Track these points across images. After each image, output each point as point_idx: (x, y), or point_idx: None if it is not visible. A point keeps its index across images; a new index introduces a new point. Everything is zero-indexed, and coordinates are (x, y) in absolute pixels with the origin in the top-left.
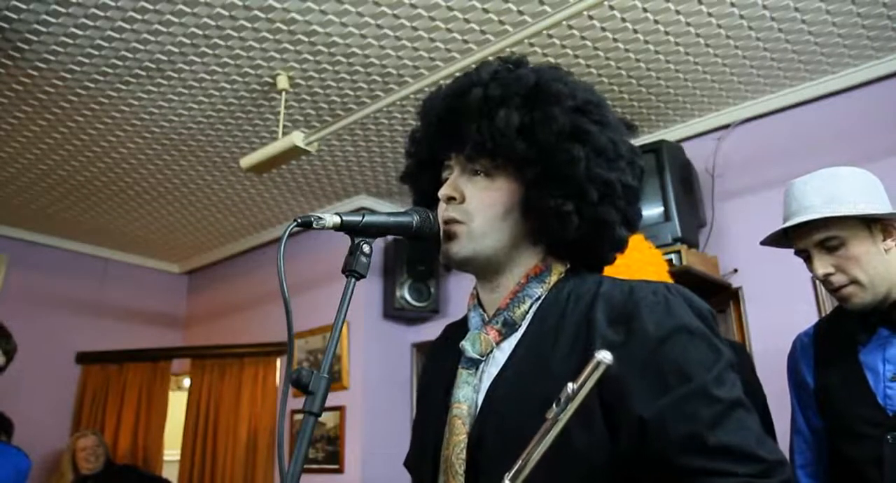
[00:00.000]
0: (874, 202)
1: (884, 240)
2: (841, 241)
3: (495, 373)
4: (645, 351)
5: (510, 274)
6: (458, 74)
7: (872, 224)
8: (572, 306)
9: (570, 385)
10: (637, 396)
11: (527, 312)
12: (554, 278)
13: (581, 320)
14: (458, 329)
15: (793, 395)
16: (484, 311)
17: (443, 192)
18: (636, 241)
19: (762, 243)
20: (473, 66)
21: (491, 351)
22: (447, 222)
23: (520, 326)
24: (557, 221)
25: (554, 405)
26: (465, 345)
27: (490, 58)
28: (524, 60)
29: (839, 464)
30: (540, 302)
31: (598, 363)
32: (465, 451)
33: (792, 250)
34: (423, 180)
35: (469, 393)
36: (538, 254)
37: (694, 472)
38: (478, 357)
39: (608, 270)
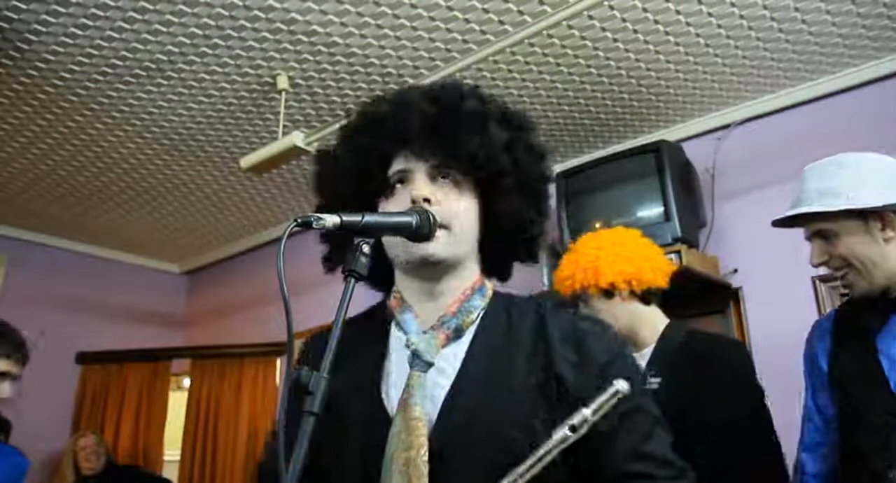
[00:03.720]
0: (878, 191)
1: (882, 229)
2: (834, 233)
3: (442, 380)
4: (595, 371)
5: (455, 282)
6: (458, 74)
7: (870, 215)
8: (516, 322)
9: (585, 410)
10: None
11: (472, 322)
12: (489, 293)
13: (536, 338)
14: (347, 334)
15: (806, 379)
16: (415, 315)
17: (419, 193)
18: (644, 241)
19: (773, 224)
20: (475, 66)
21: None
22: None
23: (464, 335)
24: (521, 227)
25: (567, 430)
26: (420, 347)
27: (490, 58)
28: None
29: (846, 451)
30: (483, 313)
31: (616, 392)
32: (427, 454)
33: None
34: (365, 177)
35: (424, 396)
36: (477, 267)
37: (629, 476)
38: (432, 361)
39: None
